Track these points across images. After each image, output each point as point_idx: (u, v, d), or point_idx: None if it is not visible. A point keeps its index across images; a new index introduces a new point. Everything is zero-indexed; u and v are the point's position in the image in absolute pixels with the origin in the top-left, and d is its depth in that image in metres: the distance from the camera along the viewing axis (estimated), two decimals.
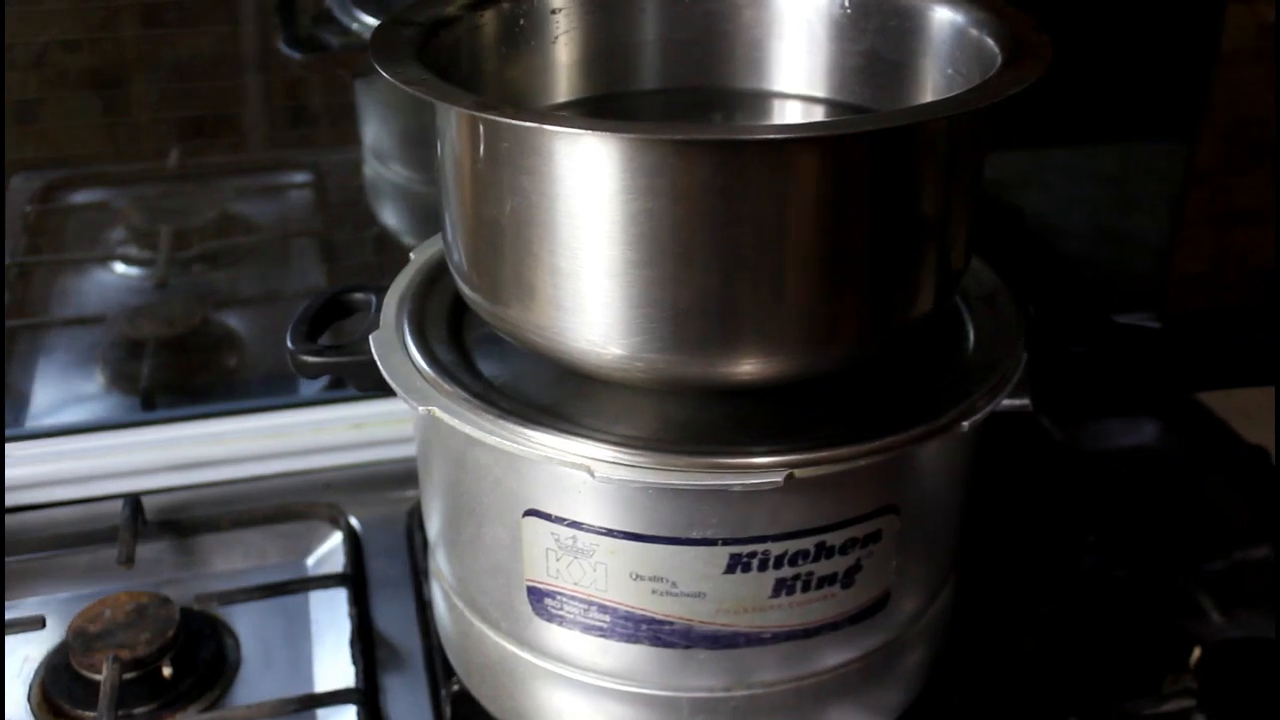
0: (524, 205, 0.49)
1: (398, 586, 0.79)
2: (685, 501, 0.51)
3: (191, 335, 0.99)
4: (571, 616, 0.55)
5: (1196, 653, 0.71)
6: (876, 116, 0.55)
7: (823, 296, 0.50)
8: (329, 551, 0.83)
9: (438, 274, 0.63)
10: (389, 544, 0.82)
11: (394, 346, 0.57)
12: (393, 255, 1.08)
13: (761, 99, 0.63)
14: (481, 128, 0.50)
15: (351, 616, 0.75)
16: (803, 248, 0.49)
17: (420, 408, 0.53)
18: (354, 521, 0.83)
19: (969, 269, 0.62)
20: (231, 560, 0.82)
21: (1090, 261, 1.11)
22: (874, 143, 0.48)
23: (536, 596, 0.55)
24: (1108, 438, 0.93)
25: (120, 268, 1.11)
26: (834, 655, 0.57)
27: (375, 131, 1.03)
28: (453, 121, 0.52)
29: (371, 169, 1.05)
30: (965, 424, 0.53)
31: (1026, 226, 1.05)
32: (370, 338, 0.58)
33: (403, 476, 0.88)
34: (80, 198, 1.21)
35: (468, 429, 0.52)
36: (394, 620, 0.76)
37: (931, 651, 0.63)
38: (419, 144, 1.01)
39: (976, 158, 0.54)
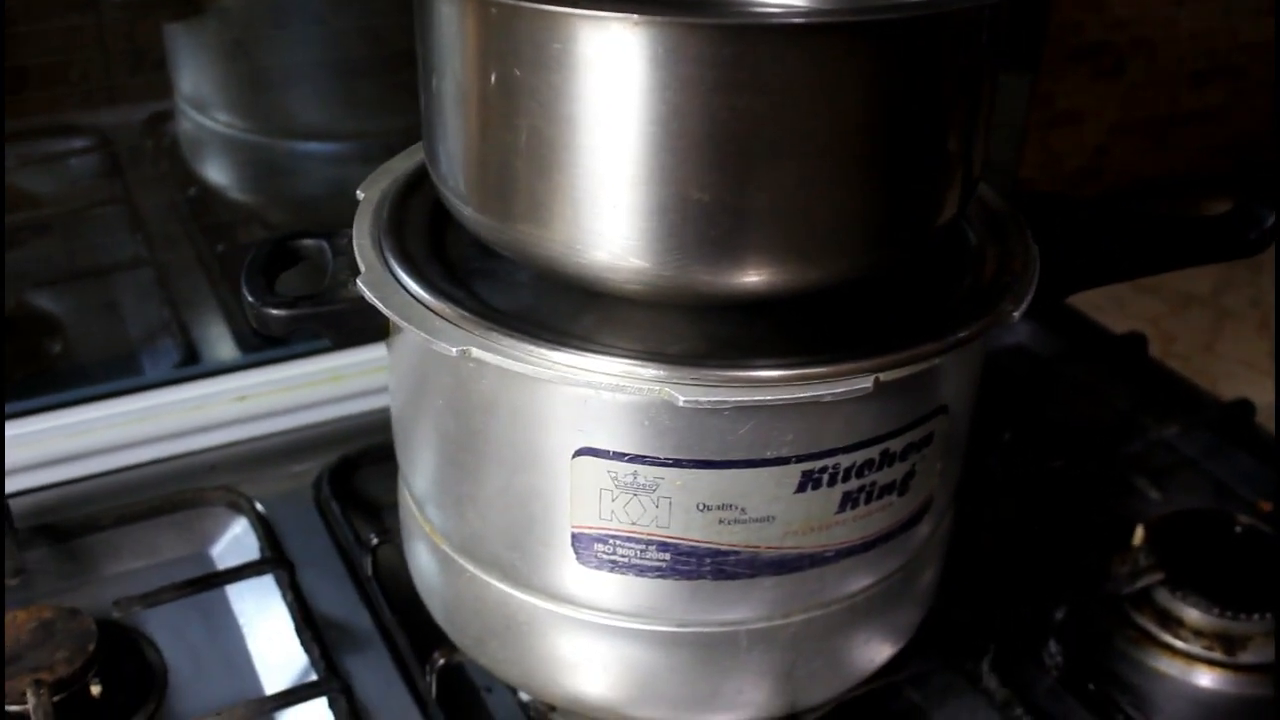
0: (549, 108, 0.45)
1: (324, 565, 0.72)
2: (762, 420, 0.48)
3: (10, 320, 0.87)
4: (624, 560, 0.51)
5: (1140, 530, 0.73)
6: (923, 3, 0.53)
7: (864, 198, 0.48)
8: (234, 538, 0.75)
9: (401, 209, 0.57)
10: (301, 521, 0.75)
11: (391, 287, 0.51)
12: (222, 215, 0.99)
13: (754, 5, 0.60)
14: (504, 24, 0.45)
15: (290, 603, 0.68)
16: (845, 147, 0.46)
17: (454, 349, 0.48)
18: (257, 503, 0.75)
19: None
20: (122, 561, 0.73)
21: None
22: (927, 29, 0.45)
23: (584, 543, 0.51)
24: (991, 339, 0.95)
25: None
26: (881, 568, 0.55)
27: (193, 80, 0.93)
28: (461, 23, 0.46)
29: (190, 122, 0.95)
30: (1015, 314, 0.52)
31: None
32: (359, 281, 0.52)
33: (295, 448, 0.81)
34: None
35: (515, 366, 0.47)
36: (333, 601, 0.70)
37: (942, 565, 0.62)
38: (254, 89, 0.92)
39: (998, 58, 0.52)
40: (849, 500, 0.51)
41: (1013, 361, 0.94)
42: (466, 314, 0.49)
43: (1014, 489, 0.78)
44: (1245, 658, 0.68)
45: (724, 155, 0.44)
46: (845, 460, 0.50)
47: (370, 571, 0.70)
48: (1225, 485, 0.81)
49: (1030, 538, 0.75)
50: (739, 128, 0.44)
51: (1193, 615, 0.69)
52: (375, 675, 0.65)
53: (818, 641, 0.55)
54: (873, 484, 0.51)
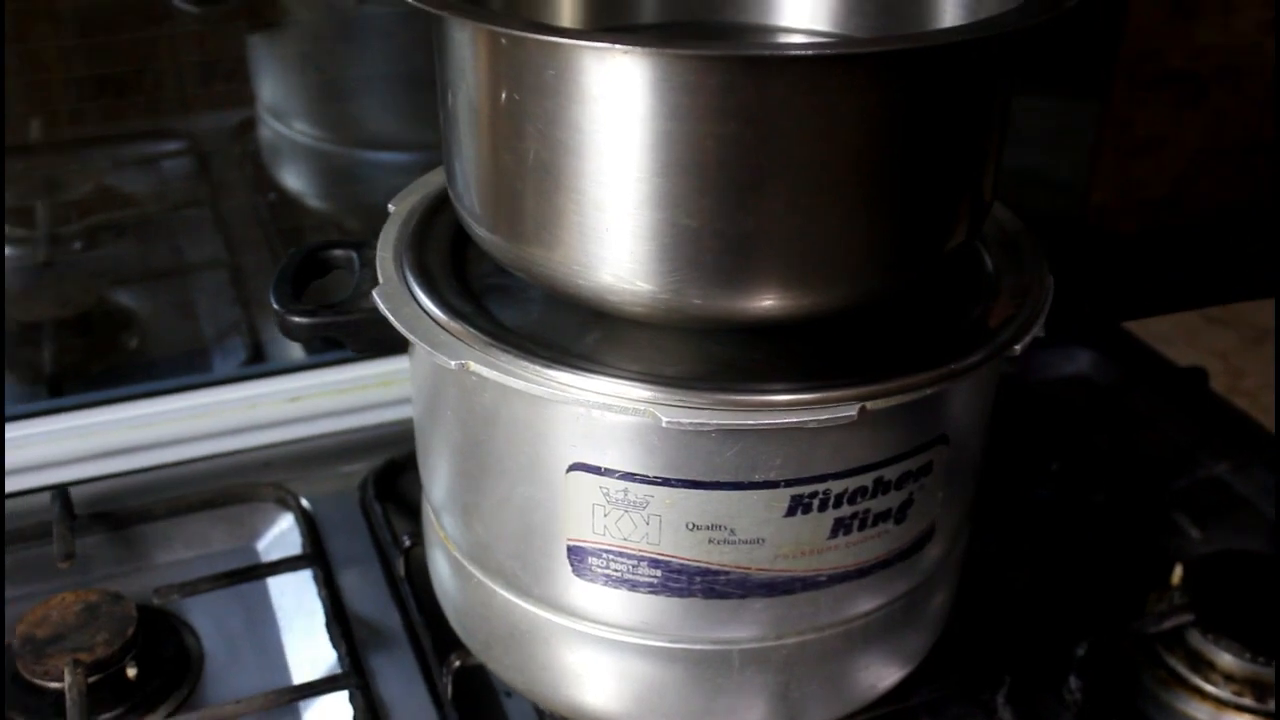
0: (556, 133, 0.46)
1: (363, 564, 0.74)
2: (749, 443, 0.48)
3: (90, 315, 0.91)
4: (618, 574, 0.52)
5: (1179, 569, 0.72)
6: (931, 34, 0.53)
7: (868, 225, 0.48)
8: (280, 534, 0.78)
9: (428, 224, 0.59)
10: (345, 521, 0.78)
11: (404, 299, 0.53)
12: (299, 221, 1.02)
13: (766, 34, 0.61)
14: (513, 52, 0.46)
15: (323, 599, 0.70)
16: (850, 174, 0.47)
17: (453, 362, 0.49)
18: (304, 500, 0.78)
19: None
20: (173, 551, 0.77)
21: (1008, 202, 1.12)
22: (934, 60, 0.46)
23: (579, 556, 0.52)
24: (1046, 368, 0.94)
25: None
26: (881, 594, 0.56)
27: (275, 90, 0.97)
28: (473, 48, 0.48)
29: (270, 130, 0.99)
30: (1017, 347, 0.52)
31: None
32: (374, 292, 0.54)
33: (347, 449, 0.83)
34: None
35: (510, 381, 0.48)
36: (366, 599, 0.72)
37: (953, 592, 0.62)
38: (328, 99, 0.95)
39: (1012, 85, 0.52)
40: (841, 526, 0.51)
41: (1070, 390, 0.92)
42: (471, 329, 0.51)
43: (1054, 521, 0.77)
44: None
45: (712, 182, 0.45)
46: (836, 486, 0.50)
47: (403, 572, 0.72)
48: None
49: (1064, 571, 0.74)
50: (725, 156, 0.45)
51: (1225, 659, 0.68)
52: (398, 673, 0.67)
53: (813, 665, 0.55)
54: (866, 511, 0.52)
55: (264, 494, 0.78)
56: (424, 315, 0.52)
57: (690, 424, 0.47)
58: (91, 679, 0.64)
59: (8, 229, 1.02)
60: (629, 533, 0.51)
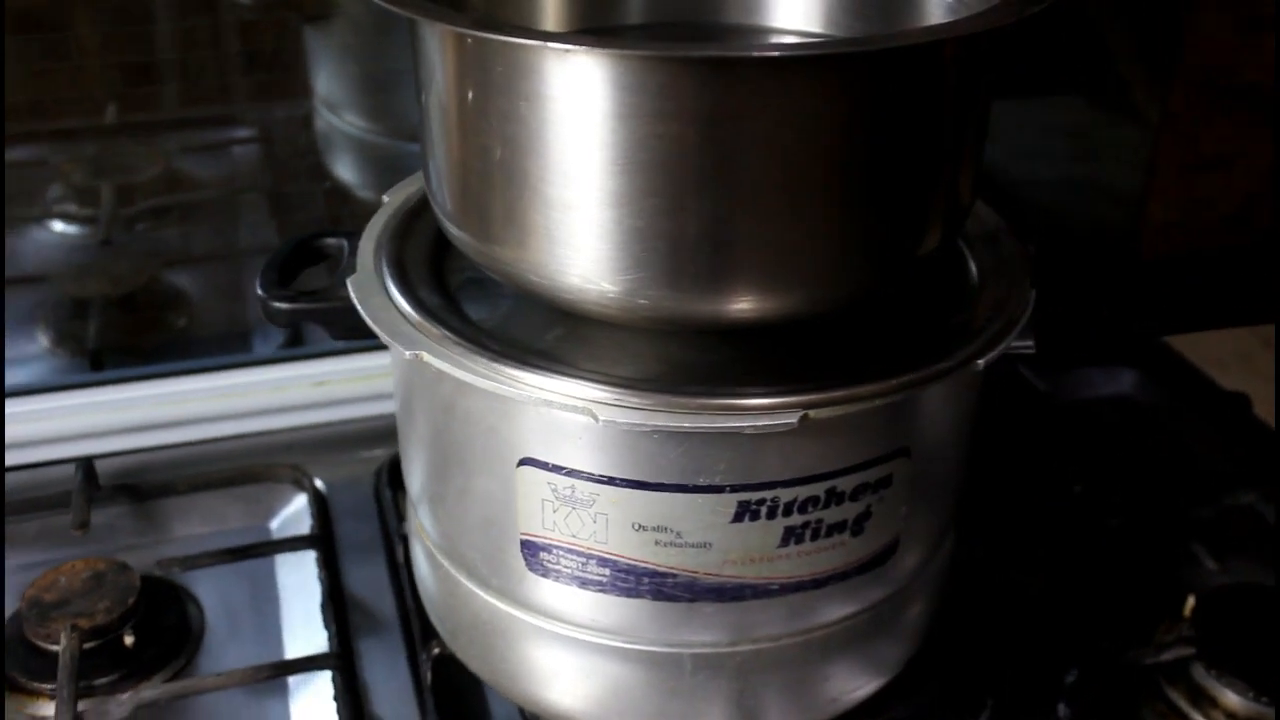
0: (518, 133, 0.46)
1: (368, 549, 0.76)
2: (693, 446, 0.48)
3: (139, 294, 0.94)
4: (568, 571, 0.52)
5: (1191, 600, 0.69)
6: (895, 35, 0.52)
7: (830, 229, 0.48)
8: (294, 514, 0.79)
9: (415, 217, 0.60)
10: (356, 505, 0.79)
11: (374, 289, 0.54)
12: (348, 210, 1.04)
13: (753, 34, 0.60)
14: (475, 51, 0.47)
15: (321, 580, 0.72)
16: (811, 177, 0.46)
17: (407, 352, 0.50)
18: (319, 483, 0.80)
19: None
20: (190, 525, 0.79)
21: (1061, 212, 1.10)
22: (891, 63, 0.45)
23: (531, 551, 0.53)
24: (1087, 387, 0.92)
25: (59, 226, 1.06)
26: (841, 607, 0.55)
27: (328, 81, 0.99)
28: (440, 47, 0.49)
29: (324, 121, 1.01)
30: (980, 362, 0.51)
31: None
32: (348, 281, 0.55)
33: (368, 435, 0.85)
34: (16, 154, 1.16)
35: (459, 373, 0.49)
36: (366, 583, 0.73)
37: (933, 604, 0.61)
38: (374, 92, 0.97)
39: (988, 86, 0.51)
40: (793, 535, 0.51)
41: (1109, 410, 0.90)
42: (430, 321, 0.51)
43: (1068, 543, 0.76)
44: None
45: (665, 184, 0.45)
46: (785, 495, 0.50)
47: (403, 558, 0.73)
48: None
49: (1069, 594, 0.72)
50: (677, 158, 0.45)
51: (1228, 697, 0.65)
52: (385, 658, 0.68)
53: (768, 673, 0.55)
54: (819, 521, 0.51)
55: (281, 475, 0.80)
56: (391, 306, 0.53)
57: (626, 424, 0.47)
58: (89, 644, 0.66)
59: (74, 209, 1.06)
60: (577, 530, 0.51)
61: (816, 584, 0.53)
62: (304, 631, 0.71)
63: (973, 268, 0.58)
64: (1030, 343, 0.56)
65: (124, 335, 0.91)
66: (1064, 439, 0.84)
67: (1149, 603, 0.71)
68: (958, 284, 0.57)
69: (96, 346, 0.88)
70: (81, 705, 0.63)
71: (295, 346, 0.92)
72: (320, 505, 0.78)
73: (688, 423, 0.47)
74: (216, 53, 1.01)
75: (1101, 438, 0.85)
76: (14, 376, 0.89)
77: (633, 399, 0.47)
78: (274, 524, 0.79)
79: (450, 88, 0.49)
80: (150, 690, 0.64)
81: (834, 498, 0.51)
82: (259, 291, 0.58)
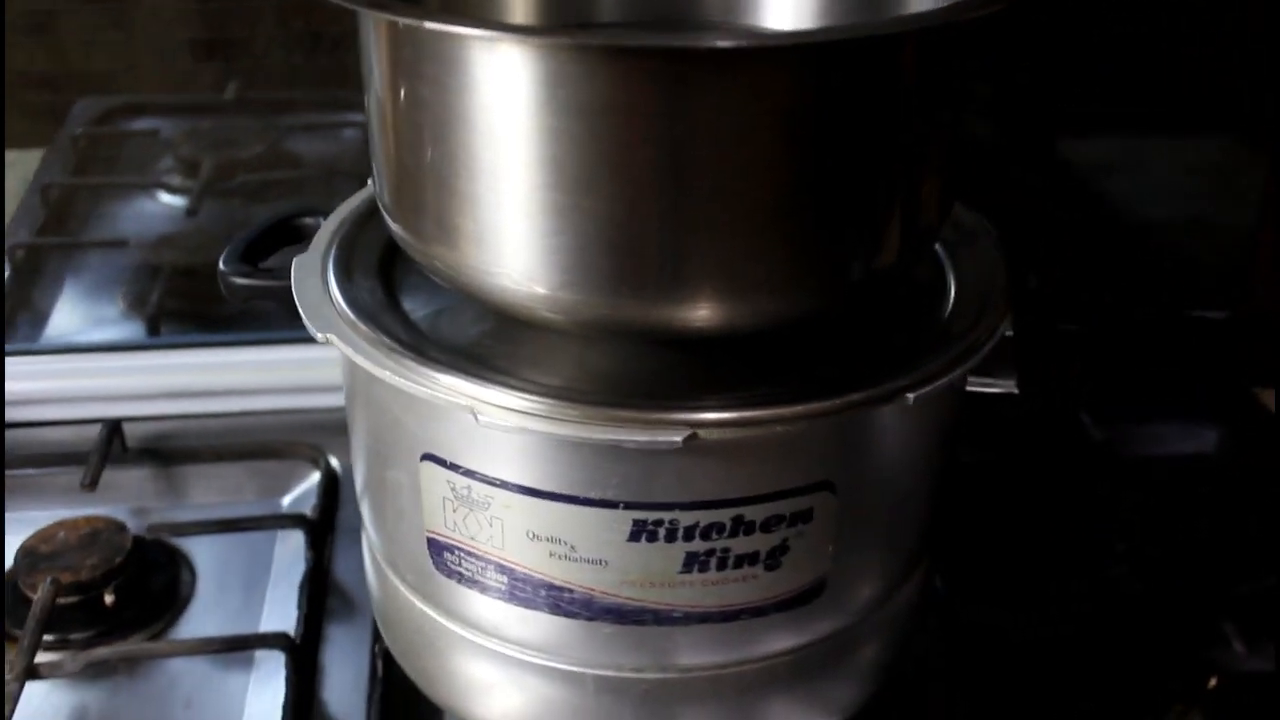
0: (438, 126, 0.45)
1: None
2: (584, 456, 0.46)
3: (206, 266, 0.97)
4: (470, 574, 0.51)
5: (1212, 683, 0.63)
6: (842, 28, 0.49)
7: (764, 237, 0.44)
8: (304, 493, 0.80)
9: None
10: None
11: (313, 271, 0.53)
12: None
13: (733, 31, 0.57)
14: (395, 38, 0.45)
15: (307, 560, 0.72)
16: (747, 179, 0.43)
17: (320, 334, 0.49)
18: (334, 464, 0.80)
19: (957, 226, 0.56)
20: (207, 494, 0.80)
21: (1173, 253, 1.02)
22: (836, 58, 0.42)
23: (436, 549, 0.51)
24: (1161, 442, 0.85)
25: (164, 196, 1.10)
26: (762, 643, 0.51)
27: None
28: (375, 40, 0.47)
29: None
30: (911, 396, 0.46)
31: (1109, 214, 0.98)
32: (294, 260, 0.54)
33: None
34: (135, 125, 1.21)
35: (359, 359, 0.48)
36: (352, 570, 0.73)
37: (890, 648, 0.57)
38: None
39: (956, 92, 0.47)
40: (695, 561, 0.48)
41: (1180, 469, 0.83)
42: (352, 308, 0.50)
43: (1089, 601, 0.70)
44: None
45: (590, 185, 0.43)
46: (685, 518, 0.47)
47: None
48: None
49: (1079, 657, 0.67)
50: (601, 157, 0.42)
51: None
52: (350, 645, 0.68)
53: (679, 704, 0.52)
54: (726, 550, 0.48)
55: (298, 452, 0.80)
56: (321, 287, 0.52)
57: (504, 426, 0.45)
58: (68, 599, 0.68)
59: (177, 180, 1.10)
60: (476, 532, 0.49)
61: (726, 616, 0.50)
62: (281, 609, 0.71)
63: (952, 288, 0.54)
64: (1012, 383, 0.52)
65: (187, 304, 0.94)
66: (1116, 494, 0.78)
67: (1166, 678, 0.65)
68: (929, 310, 0.53)
69: (155, 313, 0.91)
70: (43, 656, 0.64)
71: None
72: (330, 487, 0.78)
73: (567, 431, 0.44)
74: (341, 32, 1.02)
75: (1159, 497, 0.78)
76: (86, 336, 0.93)
77: (516, 401, 0.45)
78: (285, 501, 0.80)
79: (385, 81, 0.47)
80: (104, 650, 0.65)
81: (742, 527, 0.47)
82: (220, 266, 0.58)
